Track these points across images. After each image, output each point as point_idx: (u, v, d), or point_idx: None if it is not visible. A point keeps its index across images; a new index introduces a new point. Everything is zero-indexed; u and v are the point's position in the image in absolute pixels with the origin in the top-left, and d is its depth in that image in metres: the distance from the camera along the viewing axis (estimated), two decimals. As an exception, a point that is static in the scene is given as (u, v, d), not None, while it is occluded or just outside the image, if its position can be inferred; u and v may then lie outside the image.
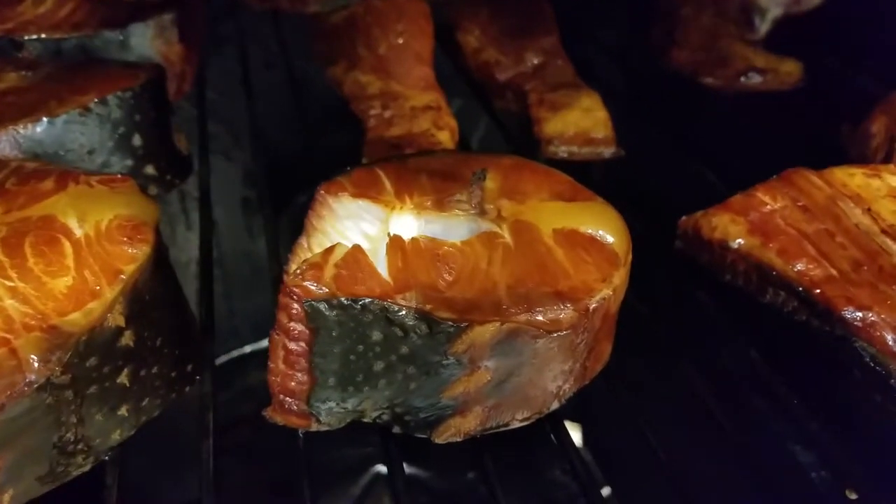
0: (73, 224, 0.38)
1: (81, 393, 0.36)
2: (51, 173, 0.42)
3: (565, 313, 0.38)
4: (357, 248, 0.39)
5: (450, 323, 0.37)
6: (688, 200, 0.58)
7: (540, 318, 0.38)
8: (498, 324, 0.37)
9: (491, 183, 0.45)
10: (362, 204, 0.43)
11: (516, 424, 0.42)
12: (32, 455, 0.35)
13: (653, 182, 0.77)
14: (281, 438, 0.42)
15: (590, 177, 0.72)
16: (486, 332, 0.37)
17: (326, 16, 0.76)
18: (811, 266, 0.48)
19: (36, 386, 0.33)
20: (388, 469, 0.42)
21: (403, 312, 0.37)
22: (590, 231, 0.43)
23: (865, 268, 0.47)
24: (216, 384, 0.43)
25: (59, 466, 0.36)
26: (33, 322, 0.34)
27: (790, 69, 0.77)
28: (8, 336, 0.33)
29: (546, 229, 0.42)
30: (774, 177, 0.54)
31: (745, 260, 0.50)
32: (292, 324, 0.38)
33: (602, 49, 0.89)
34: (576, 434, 1.08)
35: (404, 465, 0.43)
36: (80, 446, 0.37)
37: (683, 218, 0.55)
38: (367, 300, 0.37)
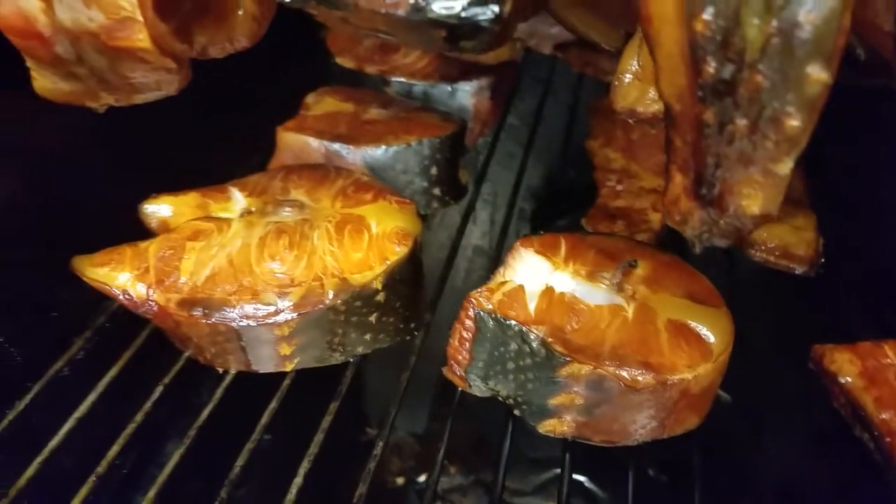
0: (372, 225, 0.65)
1: (348, 319, 0.62)
2: (372, 188, 0.70)
3: (643, 378, 0.54)
4: (520, 287, 0.59)
5: (560, 356, 0.55)
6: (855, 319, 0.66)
7: (622, 374, 0.54)
8: (592, 367, 0.54)
9: (640, 270, 0.61)
10: (540, 259, 0.62)
11: (596, 443, 0.59)
12: (313, 343, 0.62)
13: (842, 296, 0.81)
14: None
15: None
16: (583, 369, 0.55)
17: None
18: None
19: (326, 308, 0.60)
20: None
21: (532, 337, 0.56)
22: (697, 328, 0.57)
23: (946, 439, 0.53)
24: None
25: (325, 354, 0.64)
26: (335, 273, 0.61)
27: None
28: (322, 276, 0.61)
29: (663, 317, 0.58)
30: (910, 337, 0.60)
31: (846, 395, 0.58)
32: (466, 321, 0.59)
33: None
34: None
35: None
36: (338, 348, 0.64)
37: (816, 346, 0.64)
38: (513, 322, 0.57)
